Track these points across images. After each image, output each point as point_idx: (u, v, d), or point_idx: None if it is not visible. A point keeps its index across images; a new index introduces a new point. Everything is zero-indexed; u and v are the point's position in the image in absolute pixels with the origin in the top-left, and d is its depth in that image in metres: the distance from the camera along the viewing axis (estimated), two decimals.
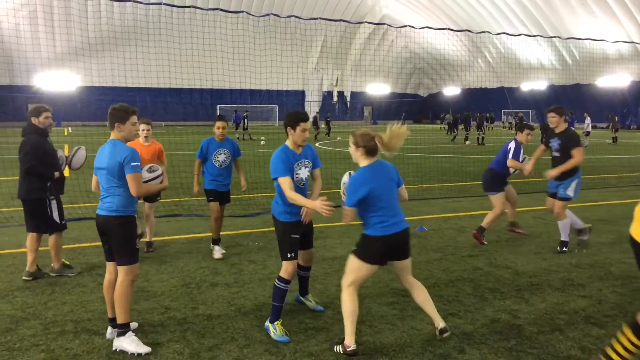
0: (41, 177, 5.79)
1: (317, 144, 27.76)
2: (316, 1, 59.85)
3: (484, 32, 23.09)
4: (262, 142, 29.20)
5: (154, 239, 7.21)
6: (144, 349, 4.06)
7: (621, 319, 4.70)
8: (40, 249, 6.03)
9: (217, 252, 6.71)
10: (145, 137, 6.85)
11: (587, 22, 45.72)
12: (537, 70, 57.82)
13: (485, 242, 7.32)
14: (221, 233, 6.99)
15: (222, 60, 36.79)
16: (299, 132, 4.40)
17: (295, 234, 4.47)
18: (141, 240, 6.68)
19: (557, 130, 6.85)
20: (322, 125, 38.63)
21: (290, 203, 4.36)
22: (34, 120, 5.90)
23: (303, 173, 4.54)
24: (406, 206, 10.42)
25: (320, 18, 18.38)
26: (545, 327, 4.56)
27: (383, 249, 4.02)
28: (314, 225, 4.76)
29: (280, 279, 4.41)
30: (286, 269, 4.41)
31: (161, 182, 4.48)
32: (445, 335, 4.13)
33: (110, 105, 4.29)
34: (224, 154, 6.73)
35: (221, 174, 6.75)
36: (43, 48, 43.31)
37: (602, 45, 41.99)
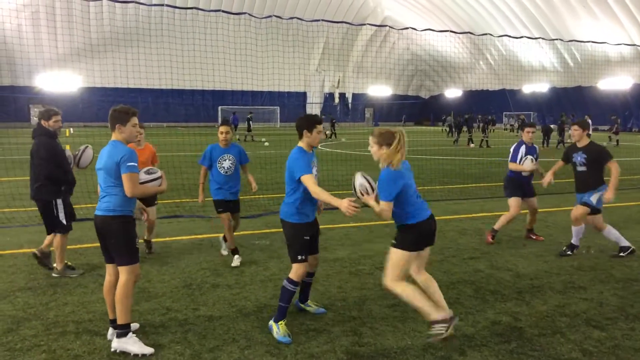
0: (56, 180, 5.92)
1: (318, 145, 27.78)
2: (318, 3, 59.96)
3: (485, 34, 23.02)
4: (265, 144, 29.16)
5: (155, 239, 7.22)
6: (148, 350, 4.07)
7: (622, 321, 4.70)
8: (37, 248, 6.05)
9: (236, 260, 6.43)
10: (138, 140, 6.58)
11: (589, 24, 45.71)
12: (538, 73, 57.80)
13: (491, 241, 7.48)
14: (221, 234, 6.94)
15: (224, 61, 36.85)
16: (315, 134, 4.51)
17: (306, 236, 4.52)
18: (140, 241, 6.65)
19: (580, 145, 6.76)
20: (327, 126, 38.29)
21: (302, 204, 4.44)
22: (44, 123, 5.99)
23: (314, 173, 4.58)
24: None
25: (322, 20, 18.40)
26: (546, 329, 4.55)
27: (425, 233, 4.25)
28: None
29: (291, 280, 4.43)
30: (296, 271, 4.44)
31: (160, 185, 4.42)
32: (455, 322, 4.11)
33: (111, 107, 4.30)
34: (229, 160, 6.40)
35: (227, 181, 6.39)
36: (45, 49, 43.47)
37: (603, 47, 41.99)
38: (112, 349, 4.09)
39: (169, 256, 6.84)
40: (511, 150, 7.62)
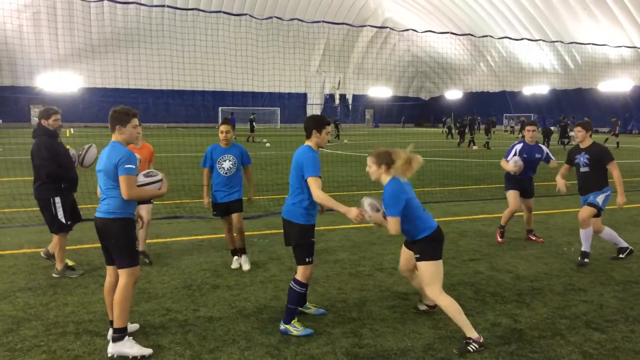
0: (56, 178, 5.93)
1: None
2: (319, 4, 60.04)
3: (486, 36, 23.06)
4: (267, 145, 29.13)
5: (155, 240, 7.22)
6: (146, 351, 4.05)
7: (622, 324, 4.70)
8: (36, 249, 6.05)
9: (235, 262, 6.32)
10: (136, 138, 6.40)
11: (590, 26, 45.77)
12: (539, 75, 57.85)
13: (501, 240, 7.58)
14: (221, 235, 6.81)
15: (224, 62, 36.90)
16: (324, 135, 4.55)
17: (313, 238, 4.54)
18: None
19: (583, 145, 6.71)
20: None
21: (310, 205, 4.44)
22: (44, 122, 6.01)
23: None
24: None
25: (323, 21, 18.43)
26: (546, 331, 4.56)
27: (441, 239, 4.40)
28: (315, 228, 4.76)
29: (299, 282, 4.45)
30: (304, 272, 4.47)
31: (159, 189, 4.34)
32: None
33: (111, 108, 4.27)
34: (230, 160, 6.17)
35: (227, 183, 6.17)
36: (46, 49, 43.53)
37: (604, 49, 41.99)
38: (109, 354, 4.04)
39: (169, 257, 6.84)
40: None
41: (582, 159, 6.67)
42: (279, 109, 62.55)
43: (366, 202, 4.32)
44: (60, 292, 5.47)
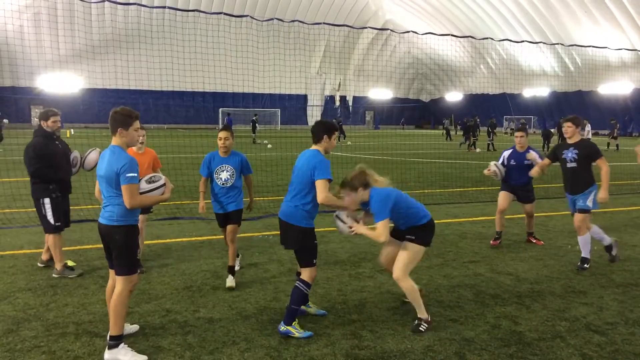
0: (45, 178, 5.97)
1: None
2: (319, 6, 60.09)
3: (486, 38, 23.05)
4: (269, 146, 29.06)
5: (155, 241, 7.21)
6: (141, 358, 4.00)
7: (622, 326, 4.70)
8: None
9: (230, 281, 5.69)
10: (141, 143, 6.16)
11: (590, 29, 45.79)
12: (539, 77, 57.86)
13: (493, 243, 7.58)
14: (221, 237, 6.54)
15: (225, 63, 36.95)
16: (333, 140, 4.69)
17: (316, 239, 4.61)
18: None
19: (571, 141, 6.65)
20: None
21: (313, 208, 4.51)
22: (43, 124, 6.13)
23: None
24: None
25: (324, 23, 18.44)
26: (546, 334, 4.56)
27: (434, 229, 4.73)
28: (315, 230, 4.77)
29: (306, 283, 4.50)
30: (311, 274, 4.53)
31: (162, 193, 4.20)
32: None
33: (112, 109, 4.13)
34: (227, 171, 5.74)
35: (225, 193, 5.76)
36: (47, 50, 43.52)
37: (604, 52, 42.04)
38: None
39: (169, 258, 6.84)
40: None
41: (570, 154, 6.58)
42: (279, 110, 62.58)
43: (342, 215, 4.48)
44: (60, 293, 5.47)
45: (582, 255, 6.58)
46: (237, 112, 58.74)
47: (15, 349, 4.18)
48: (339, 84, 66.78)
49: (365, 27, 23.81)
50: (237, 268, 6.12)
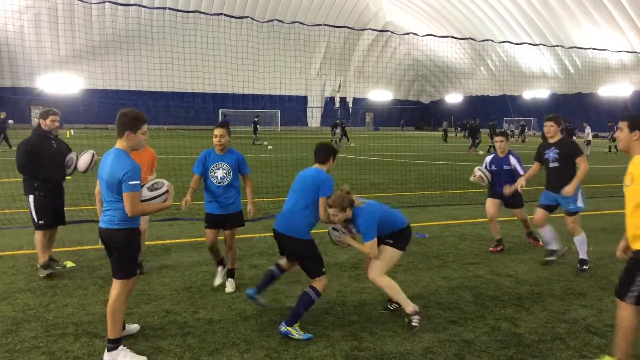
0: (31, 175, 6.11)
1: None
2: (320, 7, 60.13)
3: (486, 40, 23.09)
4: (269, 147, 29.00)
5: (155, 242, 7.21)
6: (140, 359, 3.99)
7: None
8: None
9: (219, 275, 5.73)
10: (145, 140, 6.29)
11: (590, 31, 45.82)
12: (539, 79, 57.89)
13: (491, 250, 7.47)
14: (221, 238, 5.96)
15: (225, 64, 36.93)
16: (334, 162, 4.90)
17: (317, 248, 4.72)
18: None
19: (553, 140, 6.63)
20: (338, 130, 36.89)
21: (315, 220, 4.65)
22: (42, 123, 6.21)
23: None
24: (407, 213, 10.39)
25: (324, 24, 18.44)
26: (546, 335, 4.56)
27: (410, 235, 4.88)
28: (311, 232, 4.79)
29: (317, 292, 4.52)
30: (322, 282, 4.57)
31: (165, 201, 4.11)
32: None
33: (120, 111, 4.03)
34: (223, 169, 5.54)
35: (222, 193, 5.54)
36: (47, 50, 43.54)
37: (604, 54, 42.05)
38: None
39: (168, 259, 6.84)
40: None
41: (551, 154, 6.57)
42: (279, 111, 62.60)
43: (334, 233, 4.65)
44: (60, 294, 5.46)
45: (580, 257, 6.57)
46: (237, 113, 58.81)
47: (14, 349, 4.18)
48: (339, 85, 66.80)
49: (366, 29, 23.88)
50: (217, 282, 5.74)
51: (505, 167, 7.31)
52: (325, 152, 4.85)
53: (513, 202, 7.43)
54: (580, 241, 6.56)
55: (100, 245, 4.24)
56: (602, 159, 25.03)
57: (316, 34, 45.29)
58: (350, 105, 69.72)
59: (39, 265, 6.07)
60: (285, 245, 4.73)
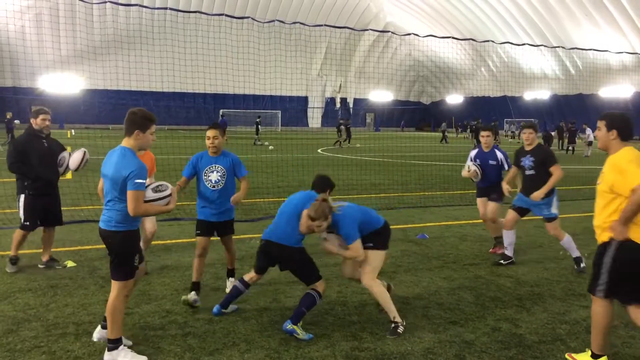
0: (20, 175, 6.17)
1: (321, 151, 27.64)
2: (321, 8, 60.15)
3: (487, 41, 23.14)
4: (271, 148, 28.98)
5: (156, 242, 7.20)
6: (141, 359, 3.98)
7: (622, 329, 4.70)
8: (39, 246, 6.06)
9: (192, 296, 5.13)
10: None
11: (591, 32, 45.81)
12: (540, 80, 57.87)
13: (491, 251, 7.41)
14: (215, 238, 5.74)
15: (226, 65, 36.91)
16: (331, 194, 4.97)
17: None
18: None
19: (529, 148, 6.63)
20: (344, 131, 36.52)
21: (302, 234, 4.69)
22: (32, 122, 6.24)
23: None
24: (408, 214, 10.42)
25: (325, 25, 18.47)
26: (547, 336, 4.55)
27: (390, 232, 4.90)
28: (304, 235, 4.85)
29: (319, 294, 4.60)
30: (322, 285, 4.66)
31: (168, 204, 4.05)
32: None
33: (130, 110, 4.02)
34: (217, 171, 5.24)
35: (217, 198, 5.22)
36: (48, 50, 43.54)
37: (605, 56, 42.02)
38: None
39: (169, 259, 6.84)
40: None
41: (527, 161, 6.58)
42: (280, 111, 62.60)
43: (330, 236, 4.69)
44: (61, 293, 5.47)
45: (574, 256, 6.59)
46: (237, 113, 58.82)
47: (15, 349, 4.18)
48: (340, 86, 66.79)
49: (367, 30, 23.91)
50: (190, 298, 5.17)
51: (491, 162, 7.30)
52: (323, 184, 4.99)
53: (493, 196, 7.27)
54: (567, 243, 6.58)
55: (102, 245, 4.23)
56: (602, 159, 24.97)
57: (317, 35, 45.24)
58: (351, 105, 69.71)
59: (7, 259, 6.19)
60: (277, 255, 4.67)
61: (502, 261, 6.77)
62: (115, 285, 4.01)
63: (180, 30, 49.52)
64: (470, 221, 9.63)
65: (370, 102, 71.20)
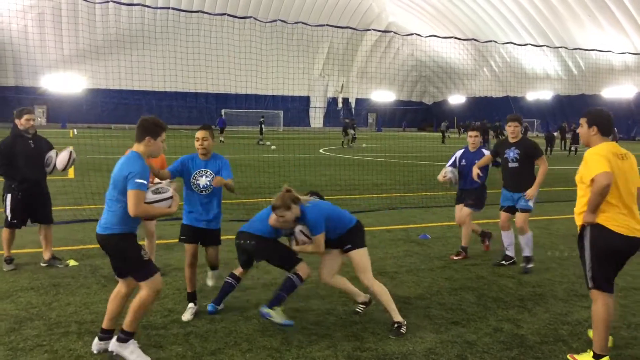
0: (7, 176, 6.16)
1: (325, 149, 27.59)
2: (323, 8, 60.17)
3: (490, 41, 23.15)
4: (273, 148, 28.94)
5: (157, 241, 7.20)
6: (145, 359, 3.96)
7: (624, 330, 4.69)
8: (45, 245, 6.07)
9: (189, 312, 4.92)
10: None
11: (594, 32, 45.76)
12: (542, 80, 57.81)
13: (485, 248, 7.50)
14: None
15: (228, 64, 36.96)
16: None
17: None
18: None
19: (514, 140, 6.58)
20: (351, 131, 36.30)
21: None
22: (17, 122, 6.19)
23: None
24: (410, 214, 10.42)
25: (327, 25, 18.48)
26: (549, 337, 4.55)
27: (364, 229, 4.91)
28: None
29: (300, 278, 4.62)
30: (304, 269, 4.65)
31: (170, 206, 4.00)
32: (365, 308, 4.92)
33: (141, 117, 4.08)
34: (206, 176, 4.94)
35: (203, 203, 4.97)
36: (50, 50, 43.66)
37: (608, 56, 41.98)
38: (110, 350, 3.95)
39: (171, 258, 6.85)
40: None
41: (512, 154, 6.52)
42: (282, 111, 62.64)
43: (297, 229, 4.67)
44: (63, 292, 5.48)
45: (524, 254, 6.53)
46: (239, 113, 58.84)
47: (17, 347, 4.19)
48: (342, 86, 66.77)
49: (369, 30, 23.91)
50: (187, 318, 4.89)
51: (477, 161, 7.11)
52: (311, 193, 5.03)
53: (469, 202, 7.10)
54: (527, 238, 6.55)
55: None
56: None
57: (319, 35, 45.30)
58: (353, 105, 69.72)
59: (3, 260, 6.19)
60: (249, 244, 4.79)
61: (504, 262, 6.77)
62: (143, 286, 3.90)
63: (182, 30, 49.55)
64: (472, 221, 9.60)
65: (373, 102, 71.18)
